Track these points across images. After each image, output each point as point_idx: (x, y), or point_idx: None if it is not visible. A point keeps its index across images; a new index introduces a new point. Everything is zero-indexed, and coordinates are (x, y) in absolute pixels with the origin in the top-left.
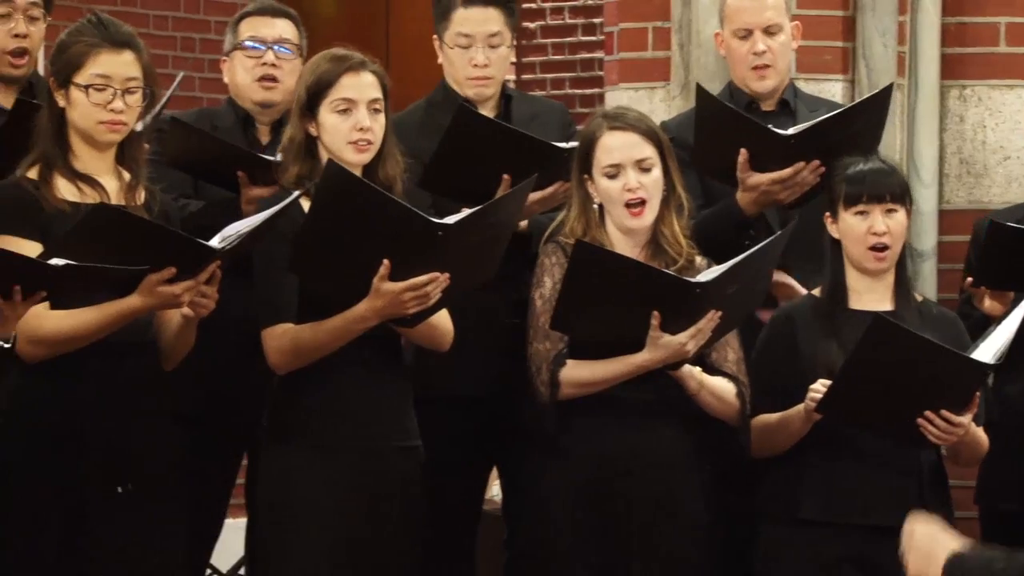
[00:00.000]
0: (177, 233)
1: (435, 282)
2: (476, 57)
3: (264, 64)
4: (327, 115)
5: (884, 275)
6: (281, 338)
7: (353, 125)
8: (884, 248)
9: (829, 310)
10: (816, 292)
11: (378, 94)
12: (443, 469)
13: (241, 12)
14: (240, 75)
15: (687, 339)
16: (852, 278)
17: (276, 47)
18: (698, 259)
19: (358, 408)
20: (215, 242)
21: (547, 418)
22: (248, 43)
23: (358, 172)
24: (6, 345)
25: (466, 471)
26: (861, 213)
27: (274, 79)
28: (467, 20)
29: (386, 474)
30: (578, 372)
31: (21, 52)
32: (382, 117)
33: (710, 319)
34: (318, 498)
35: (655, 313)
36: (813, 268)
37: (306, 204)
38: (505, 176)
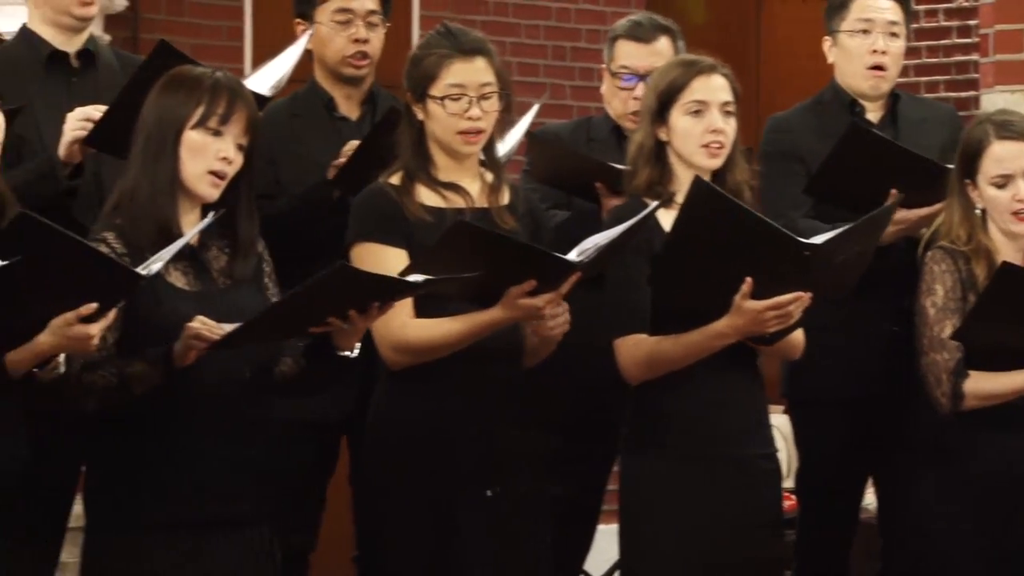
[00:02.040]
0: (535, 247)
1: (799, 301)
2: (877, 43)
3: (637, 99)
4: (679, 118)
5: None
6: (635, 348)
7: (706, 127)
8: None
9: None
10: None
11: (730, 97)
12: (818, 472)
13: (617, 29)
14: (615, 104)
15: None
16: None
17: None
18: None
19: (717, 417)
20: (573, 255)
21: (948, 430)
22: (621, 72)
23: (707, 177)
24: (353, 354)
25: (843, 476)
26: None
27: None
28: (868, 7)
29: (747, 483)
30: (984, 384)
31: (361, 56)
32: (733, 121)
33: None
34: (678, 509)
35: None
36: None
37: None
38: (893, 191)
